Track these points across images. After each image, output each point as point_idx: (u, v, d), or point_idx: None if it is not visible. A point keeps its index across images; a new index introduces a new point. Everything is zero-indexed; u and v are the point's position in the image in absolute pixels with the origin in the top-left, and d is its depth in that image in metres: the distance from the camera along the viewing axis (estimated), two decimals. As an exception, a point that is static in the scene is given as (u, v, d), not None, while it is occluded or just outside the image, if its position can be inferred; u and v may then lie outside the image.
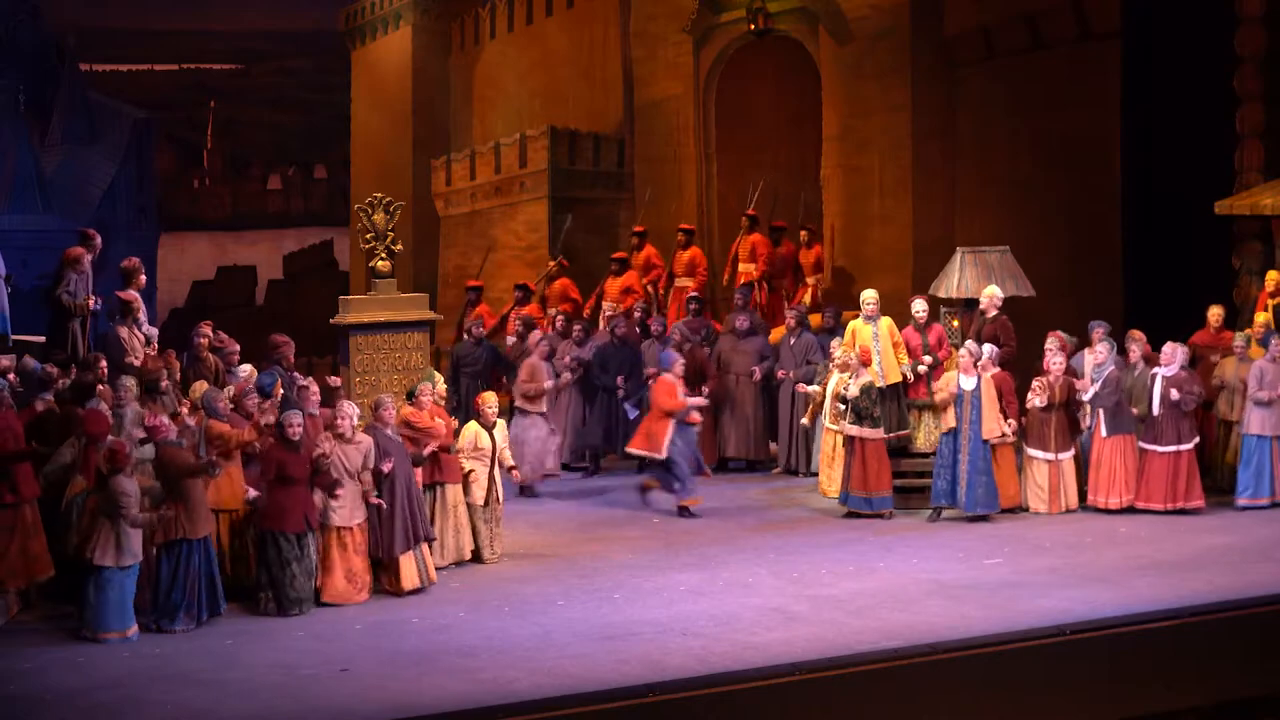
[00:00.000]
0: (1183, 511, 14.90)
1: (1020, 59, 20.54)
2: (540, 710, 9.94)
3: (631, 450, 15.68)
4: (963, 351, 15.07)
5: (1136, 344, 15.36)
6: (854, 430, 15.03)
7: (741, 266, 20.93)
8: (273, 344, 14.59)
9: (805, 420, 16.53)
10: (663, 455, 15.28)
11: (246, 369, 14.20)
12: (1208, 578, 12.70)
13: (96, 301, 15.26)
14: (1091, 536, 14.25)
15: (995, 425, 14.82)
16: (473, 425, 13.93)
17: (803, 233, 21.09)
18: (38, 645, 11.43)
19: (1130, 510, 14.98)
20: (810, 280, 20.96)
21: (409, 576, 12.77)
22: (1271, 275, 16.83)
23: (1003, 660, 11.14)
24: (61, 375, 13.71)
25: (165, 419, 12.23)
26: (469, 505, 13.70)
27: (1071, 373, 15.29)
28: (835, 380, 15.54)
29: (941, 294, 17.05)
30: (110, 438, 12.13)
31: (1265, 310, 16.44)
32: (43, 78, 25.66)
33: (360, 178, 26.57)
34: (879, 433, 15.07)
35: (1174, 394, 14.84)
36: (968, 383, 14.82)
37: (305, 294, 26.38)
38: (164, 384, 13.43)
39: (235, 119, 27.77)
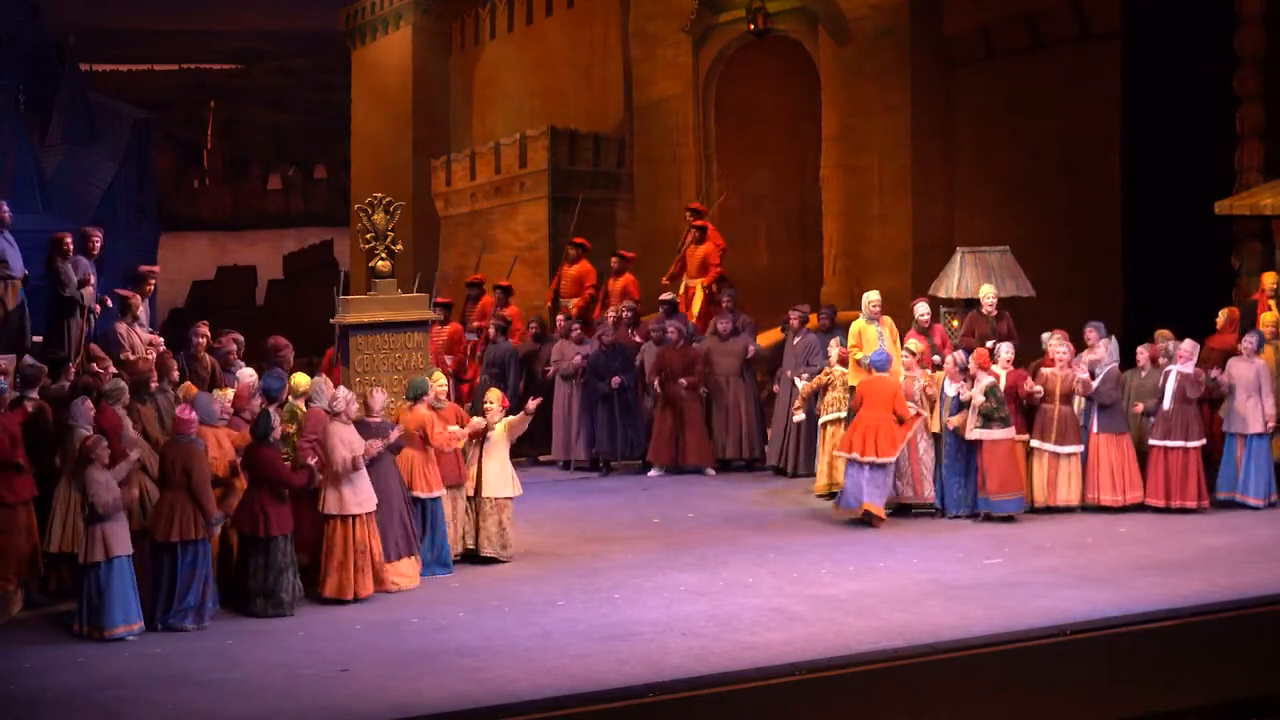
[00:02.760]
0: (1183, 510, 14.90)
1: (1020, 59, 20.55)
2: (540, 710, 9.95)
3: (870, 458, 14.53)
4: (948, 359, 15.05)
5: (1159, 343, 15.28)
6: (983, 434, 14.66)
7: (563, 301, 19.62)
8: (274, 346, 14.57)
9: (796, 413, 16.27)
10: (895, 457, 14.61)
11: (249, 373, 13.85)
12: (1208, 578, 12.70)
13: (97, 298, 15.26)
14: (1091, 536, 14.25)
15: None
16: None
17: (613, 260, 19.72)
18: (38, 645, 11.43)
19: (1130, 509, 14.99)
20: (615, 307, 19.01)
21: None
22: (1269, 276, 16.86)
23: (1003, 660, 11.14)
24: (53, 373, 13.68)
25: (193, 413, 12.22)
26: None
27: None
28: (833, 374, 15.65)
29: (941, 294, 17.08)
30: (86, 433, 12.06)
31: (1270, 310, 16.44)
32: (43, 78, 25.58)
33: (360, 178, 26.52)
34: (1010, 432, 14.74)
35: (1188, 389, 14.90)
36: (951, 388, 14.81)
37: (305, 294, 26.31)
38: (153, 384, 13.38)
39: (235, 119, 27.67)
